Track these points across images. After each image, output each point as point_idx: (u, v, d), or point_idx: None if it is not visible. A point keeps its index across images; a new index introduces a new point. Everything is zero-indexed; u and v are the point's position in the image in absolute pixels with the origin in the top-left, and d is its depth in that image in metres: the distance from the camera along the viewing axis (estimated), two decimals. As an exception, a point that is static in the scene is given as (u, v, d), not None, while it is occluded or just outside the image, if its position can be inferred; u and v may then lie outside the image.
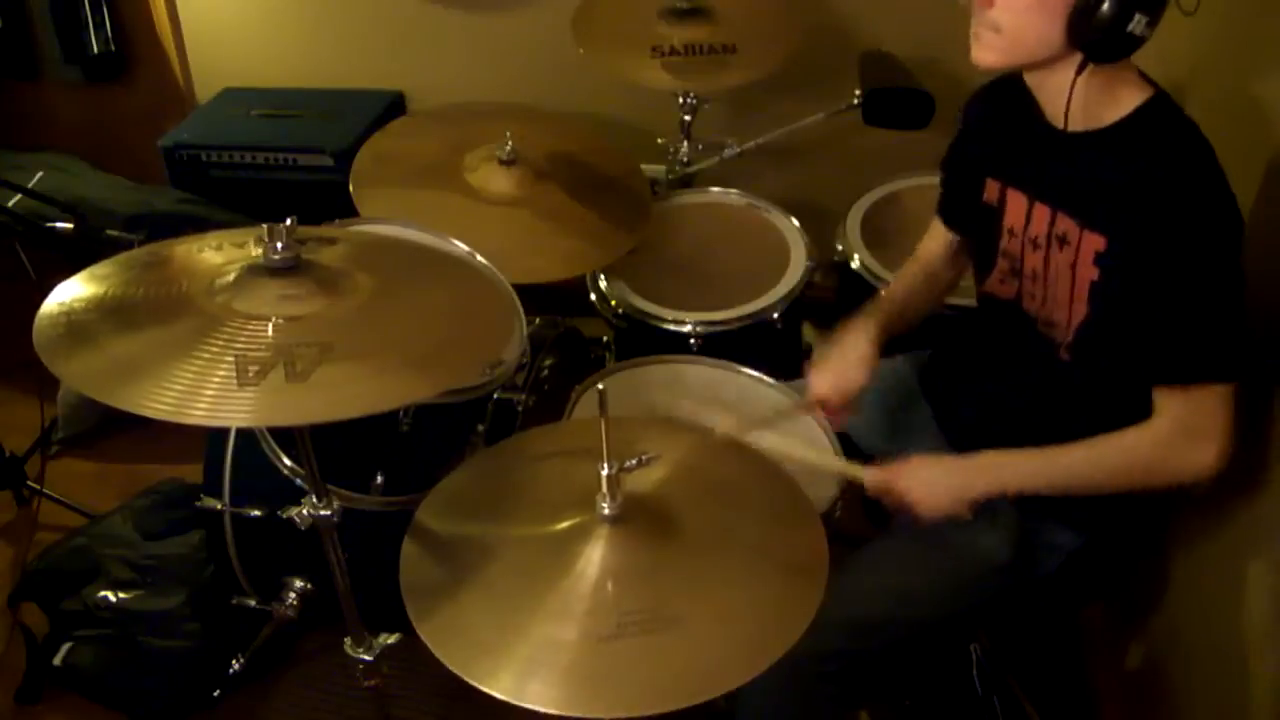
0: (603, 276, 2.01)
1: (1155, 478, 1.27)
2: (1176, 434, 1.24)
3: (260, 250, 1.16)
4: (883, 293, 1.66)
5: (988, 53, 1.23)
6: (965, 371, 1.57)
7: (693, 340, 1.89)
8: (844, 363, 1.49)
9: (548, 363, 1.93)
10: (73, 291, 1.13)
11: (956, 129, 1.53)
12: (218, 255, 1.21)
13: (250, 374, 1.03)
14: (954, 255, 1.61)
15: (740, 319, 1.91)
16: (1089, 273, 1.28)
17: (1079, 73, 1.20)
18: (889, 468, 1.37)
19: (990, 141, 1.42)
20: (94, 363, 1.04)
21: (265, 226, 1.14)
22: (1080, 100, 1.23)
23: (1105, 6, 1.12)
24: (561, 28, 2.21)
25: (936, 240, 1.63)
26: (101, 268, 1.18)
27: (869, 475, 1.38)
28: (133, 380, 1.01)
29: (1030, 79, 1.31)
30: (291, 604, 1.74)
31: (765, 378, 1.71)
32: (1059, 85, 1.24)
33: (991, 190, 1.42)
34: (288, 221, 1.16)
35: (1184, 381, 1.23)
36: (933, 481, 1.34)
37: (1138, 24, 1.13)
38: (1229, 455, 1.23)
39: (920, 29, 2.35)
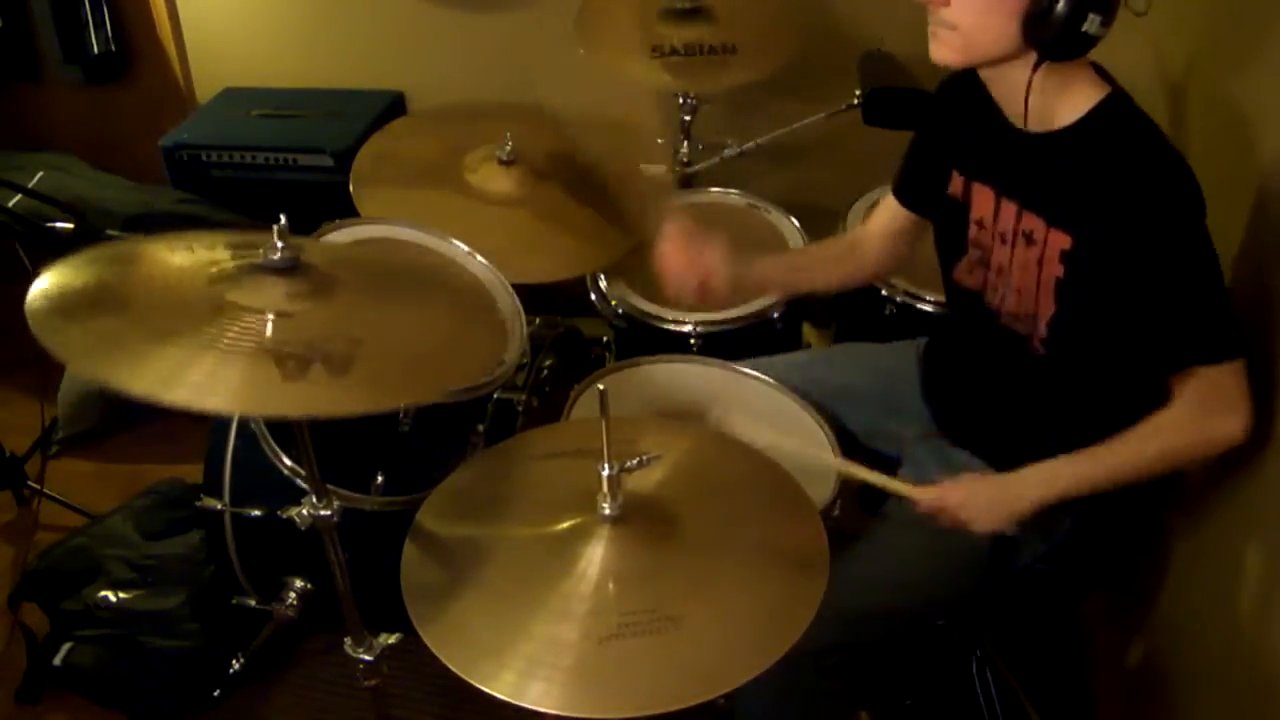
0: (603, 276, 2.01)
1: (1191, 457, 1.31)
2: (1200, 417, 1.27)
3: (233, 254, 1.16)
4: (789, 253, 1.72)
5: (945, 50, 1.25)
6: (954, 359, 1.58)
7: (693, 340, 1.89)
8: (704, 260, 1.55)
9: (548, 363, 1.93)
10: (67, 275, 1.13)
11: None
12: (207, 254, 1.21)
13: (289, 367, 1.05)
14: (899, 234, 1.61)
15: (740, 319, 1.91)
16: (1055, 270, 1.29)
17: (1034, 70, 1.21)
18: (942, 487, 1.38)
19: (953, 135, 1.43)
20: (84, 340, 1.05)
21: (273, 228, 1.15)
22: (1037, 99, 1.24)
23: (1060, 6, 1.13)
24: (561, 28, 2.21)
25: (884, 219, 1.62)
26: (93, 253, 1.19)
27: (922, 495, 1.39)
28: (121, 360, 1.02)
29: (985, 75, 1.31)
30: (291, 604, 1.74)
31: (765, 378, 1.71)
32: (1015, 83, 1.25)
33: (956, 183, 1.43)
34: (281, 221, 1.16)
35: (1193, 365, 1.25)
36: (983, 500, 1.36)
37: (1091, 23, 1.14)
38: (1253, 419, 1.26)
39: (920, 29, 2.32)
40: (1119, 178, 1.20)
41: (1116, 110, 1.24)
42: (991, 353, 1.46)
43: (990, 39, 1.21)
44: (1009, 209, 1.34)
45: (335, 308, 1.16)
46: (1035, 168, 1.29)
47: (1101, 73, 1.27)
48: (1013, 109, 1.30)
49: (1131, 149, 1.21)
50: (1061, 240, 1.27)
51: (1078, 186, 1.24)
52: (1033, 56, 1.20)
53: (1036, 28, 1.16)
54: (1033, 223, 1.31)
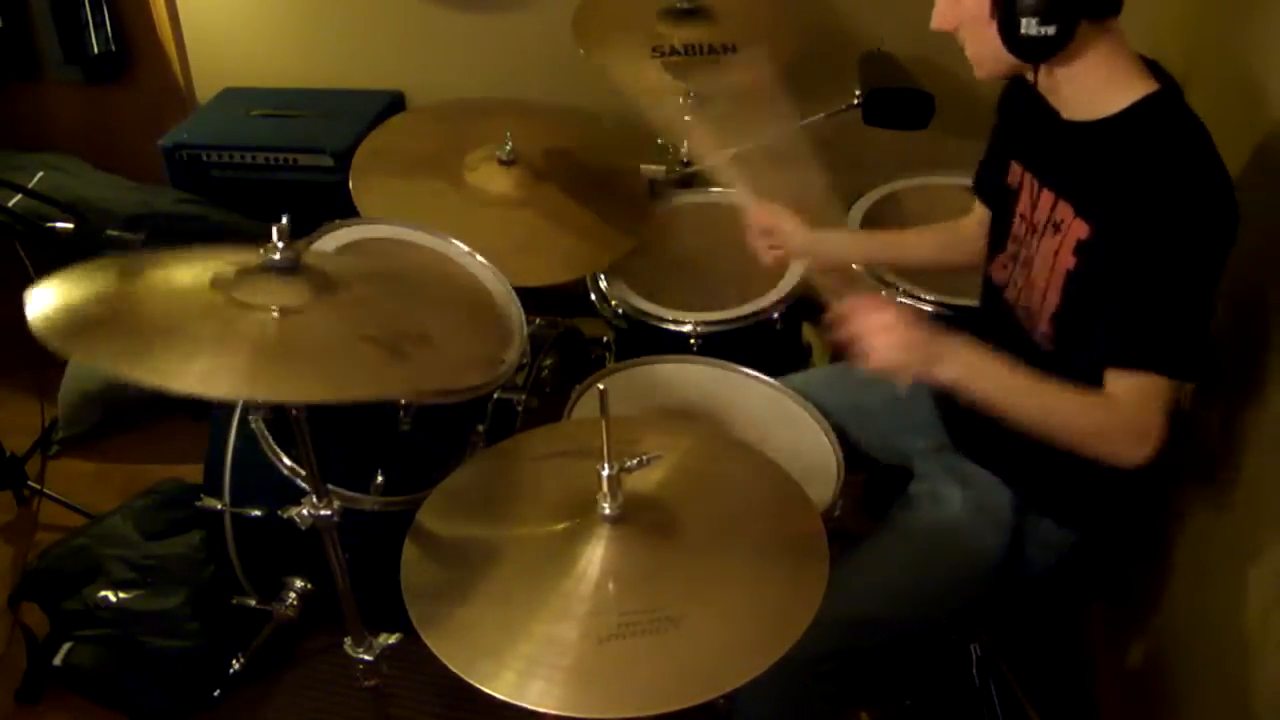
0: (603, 277, 2.01)
1: (1092, 447, 1.24)
2: (1125, 419, 1.22)
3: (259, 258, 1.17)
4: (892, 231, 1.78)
5: (976, 69, 1.33)
6: None
7: (693, 340, 1.89)
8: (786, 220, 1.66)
9: (548, 363, 1.93)
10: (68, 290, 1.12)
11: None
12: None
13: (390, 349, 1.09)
14: (984, 234, 1.59)
15: (740, 319, 1.91)
16: (1067, 261, 1.29)
17: (1035, 72, 1.26)
18: (862, 300, 1.29)
19: (1017, 125, 1.45)
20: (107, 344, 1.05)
21: (274, 227, 1.16)
22: (1082, 91, 1.26)
23: (1003, 18, 1.20)
24: (561, 28, 2.21)
25: (972, 216, 1.63)
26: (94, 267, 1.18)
27: (839, 307, 1.29)
28: (148, 355, 1.03)
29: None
30: (291, 604, 1.74)
31: (765, 377, 1.71)
32: (1050, 81, 1.28)
33: (1015, 173, 1.44)
34: (283, 220, 1.16)
35: (1138, 366, 1.21)
36: (904, 339, 1.25)
37: (1029, 26, 1.18)
38: (1159, 450, 1.21)
39: (920, 29, 2.32)
40: (1147, 170, 1.20)
41: (1162, 106, 1.24)
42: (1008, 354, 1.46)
43: (993, 55, 1.26)
44: (1046, 198, 1.35)
45: (355, 301, 1.18)
46: (1072, 156, 1.30)
47: (1156, 69, 1.27)
48: (1055, 99, 1.32)
49: (1166, 145, 1.21)
50: (1081, 229, 1.27)
51: (1107, 175, 1.24)
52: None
53: (1008, 42, 1.22)
54: (1063, 211, 1.31)
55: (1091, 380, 1.32)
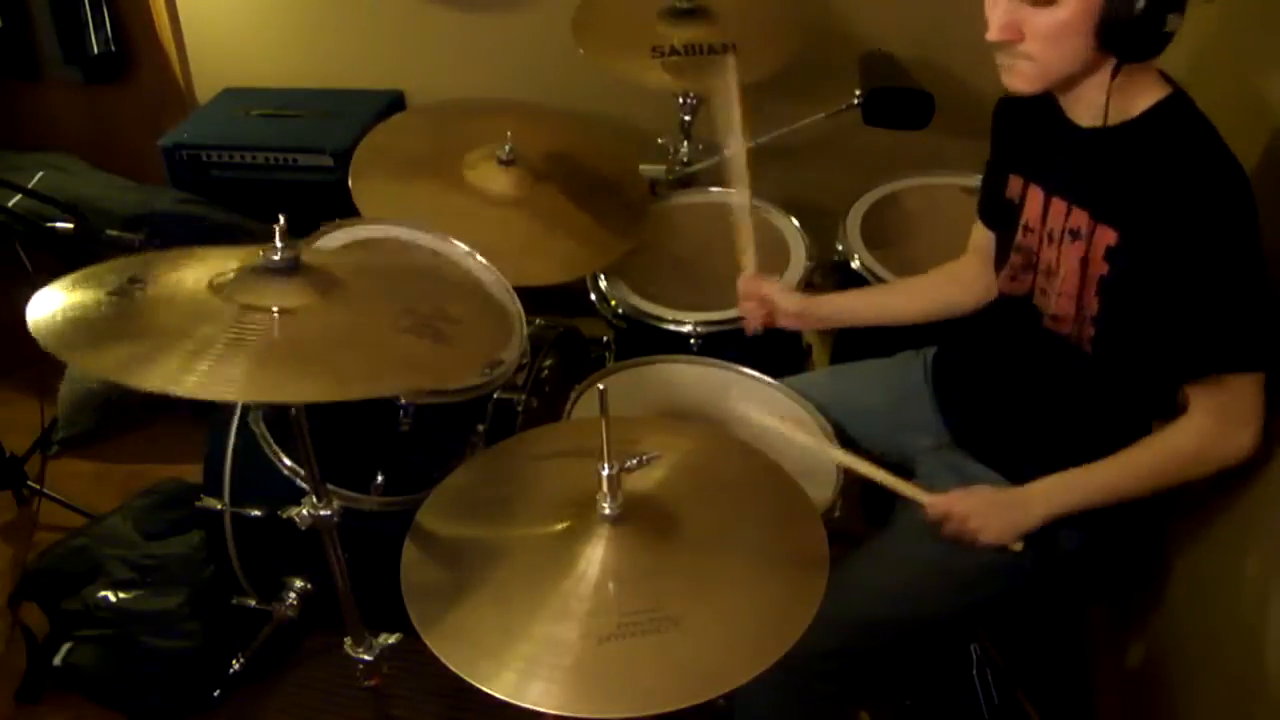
0: (603, 277, 2.01)
1: (1200, 470, 1.31)
2: (1214, 426, 1.27)
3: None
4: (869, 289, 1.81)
5: (1022, 81, 1.27)
6: (974, 367, 1.57)
7: (693, 340, 1.89)
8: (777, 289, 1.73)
9: (548, 363, 1.93)
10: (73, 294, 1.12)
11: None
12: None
13: (427, 333, 1.12)
14: (989, 253, 1.58)
15: (740, 319, 1.91)
16: (1099, 268, 1.29)
17: (1115, 75, 1.22)
18: (951, 495, 1.39)
19: (1016, 138, 1.45)
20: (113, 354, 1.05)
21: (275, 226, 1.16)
22: (1101, 97, 1.26)
23: (1138, 9, 1.15)
24: (561, 28, 2.21)
25: (976, 239, 1.63)
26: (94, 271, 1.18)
27: (930, 500, 1.40)
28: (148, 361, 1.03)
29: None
30: (291, 604, 1.74)
31: (765, 377, 1.71)
32: (1083, 88, 1.27)
33: (1015, 186, 1.44)
34: (281, 221, 1.16)
35: (1215, 373, 1.25)
36: (992, 510, 1.37)
37: (1172, 23, 1.16)
38: (1261, 434, 1.26)
39: (920, 29, 2.35)
40: (1170, 175, 1.21)
41: (1176, 110, 1.24)
42: (1026, 361, 1.46)
43: (1068, 60, 1.24)
44: (1058, 207, 1.35)
45: (364, 296, 1.18)
46: (1088, 162, 1.30)
47: (1160, 73, 1.27)
48: (1074, 108, 1.31)
49: (1185, 148, 1.22)
50: (1107, 236, 1.27)
51: (1127, 181, 1.24)
52: (1109, 63, 1.22)
53: (1114, 36, 1.18)
54: (1080, 219, 1.31)
55: (1130, 389, 1.34)
